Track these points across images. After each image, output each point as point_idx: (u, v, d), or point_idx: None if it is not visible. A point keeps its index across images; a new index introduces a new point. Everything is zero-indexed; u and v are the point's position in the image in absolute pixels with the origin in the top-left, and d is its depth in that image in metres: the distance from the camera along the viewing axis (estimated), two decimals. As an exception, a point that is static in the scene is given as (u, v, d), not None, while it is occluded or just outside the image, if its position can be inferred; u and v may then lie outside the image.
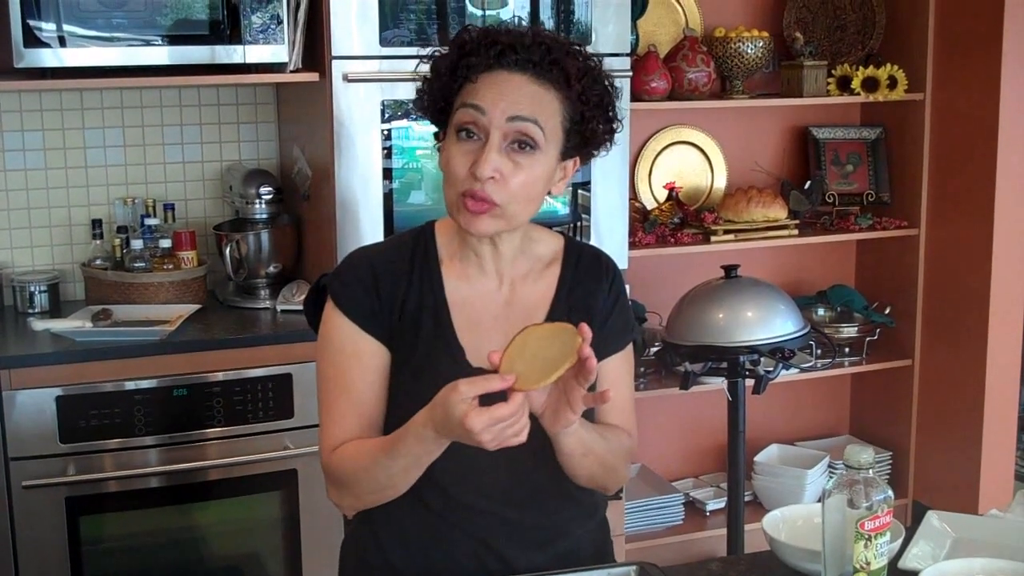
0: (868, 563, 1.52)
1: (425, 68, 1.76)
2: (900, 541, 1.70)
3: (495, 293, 1.79)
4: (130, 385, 2.91)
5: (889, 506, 1.53)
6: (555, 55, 1.68)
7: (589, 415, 1.80)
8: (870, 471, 1.53)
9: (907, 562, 1.70)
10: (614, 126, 1.76)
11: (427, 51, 1.77)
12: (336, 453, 1.72)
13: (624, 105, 3.31)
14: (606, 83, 1.74)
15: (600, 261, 1.87)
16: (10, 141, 3.35)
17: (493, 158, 1.64)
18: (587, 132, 1.73)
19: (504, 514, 1.73)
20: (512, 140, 1.66)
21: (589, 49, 1.76)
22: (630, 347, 1.89)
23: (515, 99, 1.65)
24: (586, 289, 1.82)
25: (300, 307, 3.14)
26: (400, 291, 1.75)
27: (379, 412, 1.75)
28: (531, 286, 1.81)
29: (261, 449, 3.01)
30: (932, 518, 1.86)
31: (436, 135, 1.78)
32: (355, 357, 1.74)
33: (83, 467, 2.88)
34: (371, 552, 1.69)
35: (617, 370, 1.86)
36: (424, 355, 1.73)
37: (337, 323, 1.75)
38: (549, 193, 1.75)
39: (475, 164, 1.64)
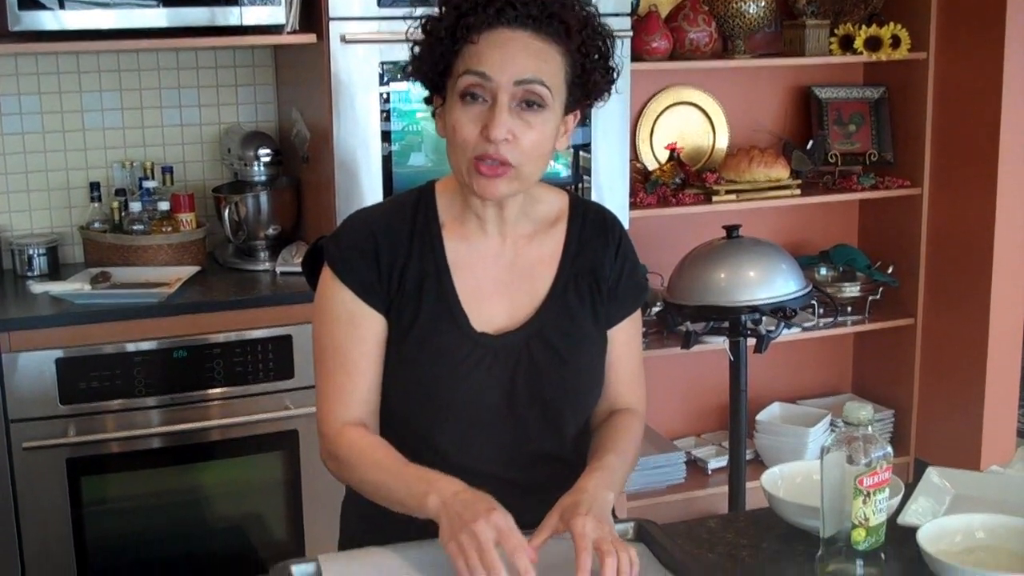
0: (867, 519, 1.52)
1: (416, 32, 1.71)
2: (900, 497, 1.70)
3: (498, 255, 1.77)
4: (130, 347, 2.91)
5: (888, 462, 1.53)
6: (553, 7, 1.65)
7: (595, 388, 1.80)
8: (869, 427, 1.53)
9: (906, 518, 1.70)
10: (613, 76, 1.73)
11: (419, 12, 1.72)
12: (346, 436, 1.71)
13: (625, 66, 3.29)
14: (605, 32, 1.71)
15: (606, 221, 1.85)
16: (7, 105, 3.34)
17: (505, 119, 1.61)
18: (589, 85, 1.71)
19: (509, 477, 1.72)
20: (520, 100, 1.63)
21: (589, 9, 1.73)
22: (639, 311, 1.88)
23: (520, 61, 1.63)
24: (592, 252, 1.80)
25: (299, 269, 3.13)
26: (400, 258, 1.72)
27: (375, 383, 1.74)
28: (536, 247, 1.79)
29: (262, 410, 3.01)
30: (932, 474, 1.86)
31: (427, 99, 1.75)
32: (351, 327, 1.72)
33: (84, 428, 2.88)
34: (372, 509, 1.69)
35: (627, 336, 1.85)
36: (427, 323, 1.72)
37: (334, 291, 1.74)
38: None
39: (486, 127, 1.62)
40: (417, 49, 1.72)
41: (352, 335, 1.72)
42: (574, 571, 1.52)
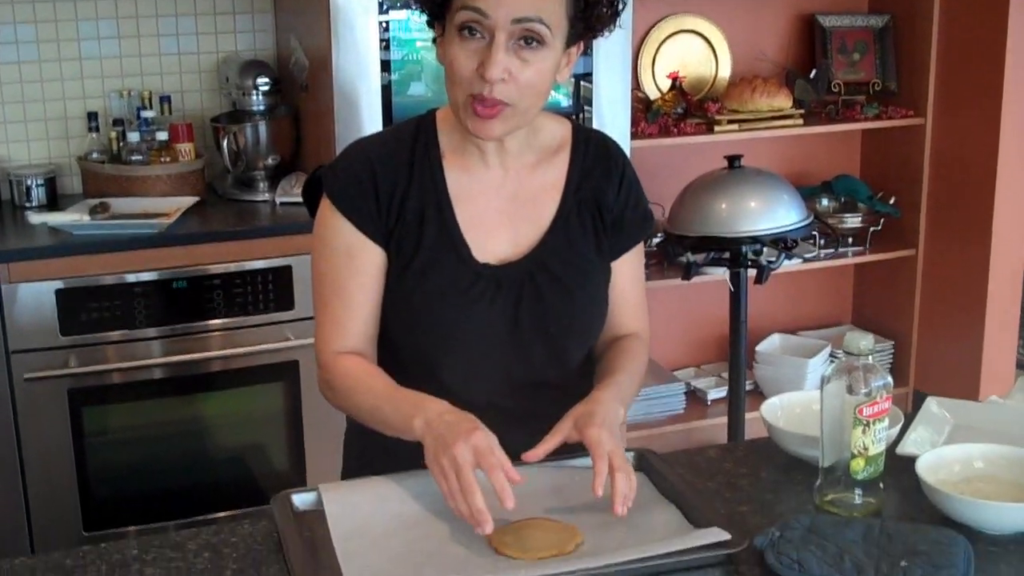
0: (866, 448, 1.52)
1: None
2: (899, 427, 1.70)
3: (500, 186, 1.75)
4: (130, 278, 2.91)
5: (888, 392, 1.53)
6: None
7: (599, 318, 1.80)
8: (869, 357, 1.53)
9: (905, 447, 1.70)
10: (618, 8, 1.70)
11: None
12: (341, 363, 1.71)
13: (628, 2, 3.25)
14: None
15: (609, 150, 1.82)
16: (2, 34, 3.31)
17: (501, 59, 1.58)
18: (592, 18, 1.67)
19: (512, 407, 1.72)
20: (519, 37, 1.60)
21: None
22: (642, 243, 1.87)
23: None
24: (595, 182, 1.78)
25: (299, 199, 3.13)
26: (400, 189, 1.71)
27: (372, 315, 1.73)
28: (539, 176, 1.77)
29: (262, 340, 3.02)
30: (931, 404, 1.86)
31: (429, 23, 1.72)
32: (348, 258, 1.71)
33: (85, 359, 2.89)
34: (373, 443, 1.69)
35: (631, 266, 1.84)
36: (429, 254, 1.70)
37: (332, 221, 1.72)
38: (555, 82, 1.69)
39: (482, 65, 1.58)
40: None
41: (349, 266, 1.71)
42: (558, 497, 1.55)
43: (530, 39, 1.60)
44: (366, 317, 1.73)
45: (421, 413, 1.56)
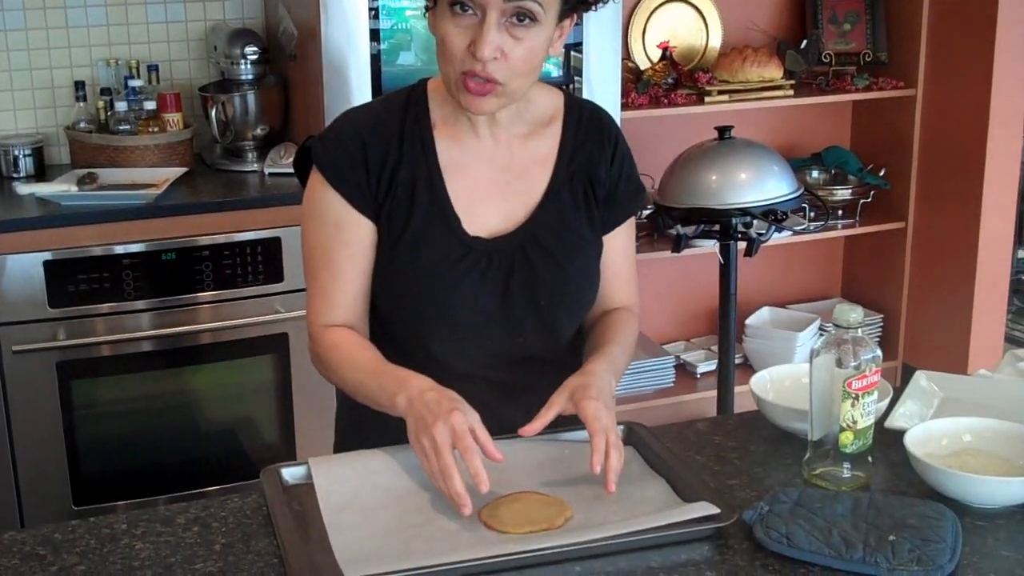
0: (855, 422, 1.53)
1: None
2: (888, 401, 1.70)
3: (491, 157, 1.74)
4: (118, 249, 2.90)
5: (877, 365, 1.53)
6: None
7: (591, 291, 1.79)
8: (859, 330, 1.53)
9: (894, 421, 1.70)
10: None
11: None
12: (329, 335, 1.70)
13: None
14: None
15: (602, 123, 1.81)
16: (-12, 1, 3.28)
17: (492, 37, 1.56)
18: None
19: (502, 379, 1.72)
20: (511, 15, 1.58)
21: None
22: (634, 216, 1.86)
23: None
24: (588, 154, 1.78)
25: (288, 170, 3.12)
26: (391, 160, 1.69)
27: (362, 287, 1.73)
28: (531, 148, 1.75)
29: (251, 313, 3.01)
30: (920, 378, 1.86)
31: None
32: (337, 230, 1.70)
33: (73, 332, 2.88)
34: (366, 415, 1.69)
35: (623, 240, 1.84)
36: (419, 226, 1.69)
37: (321, 193, 1.71)
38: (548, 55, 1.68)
39: (474, 43, 1.57)
40: None
41: (338, 239, 1.71)
42: (548, 471, 1.55)
43: (522, 16, 1.58)
44: (356, 290, 1.73)
45: (404, 390, 1.56)
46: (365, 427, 1.76)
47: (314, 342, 1.73)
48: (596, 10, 1.71)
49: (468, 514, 1.44)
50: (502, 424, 1.60)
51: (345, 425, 1.89)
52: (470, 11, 1.58)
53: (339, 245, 1.70)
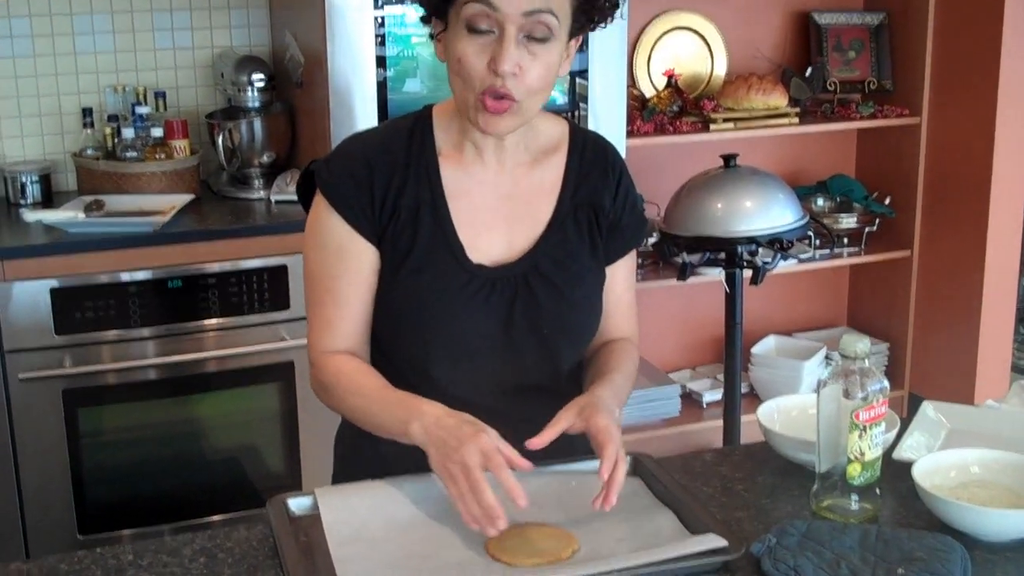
0: (862, 453, 1.52)
1: None
2: (895, 432, 1.70)
3: (495, 184, 1.74)
4: (124, 277, 2.90)
5: (884, 396, 1.53)
6: None
7: (593, 322, 1.79)
8: (866, 361, 1.52)
9: (902, 452, 1.70)
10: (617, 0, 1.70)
11: None
12: (331, 362, 1.70)
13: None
14: None
15: (606, 153, 1.81)
16: (-3, 28, 3.29)
17: (512, 52, 1.57)
18: (595, 9, 1.67)
19: (502, 409, 1.71)
20: (527, 31, 1.59)
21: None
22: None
23: None
24: (592, 185, 1.78)
25: (294, 197, 3.10)
26: (395, 185, 1.69)
27: (364, 314, 1.72)
28: (535, 176, 1.76)
29: (257, 340, 3.01)
30: (928, 408, 1.85)
31: (424, 19, 1.70)
32: (340, 256, 1.70)
33: (79, 359, 2.88)
34: (364, 441, 1.69)
35: (625, 271, 1.84)
36: (423, 253, 1.69)
37: (325, 218, 1.71)
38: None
39: (494, 60, 1.57)
40: None
41: (341, 264, 1.70)
42: (555, 503, 1.55)
43: (539, 31, 1.59)
44: (358, 316, 1.72)
45: (417, 418, 1.55)
46: (363, 455, 1.76)
47: (316, 369, 1.73)
48: (601, 27, 1.72)
49: (503, 527, 1.43)
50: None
51: (343, 452, 1.88)
52: (488, 30, 1.58)
53: (341, 271, 1.70)
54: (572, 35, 1.67)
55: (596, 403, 1.59)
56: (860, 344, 1.52)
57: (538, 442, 1.55)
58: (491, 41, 1.58)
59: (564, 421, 1.58)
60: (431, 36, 1.69)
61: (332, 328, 1.72)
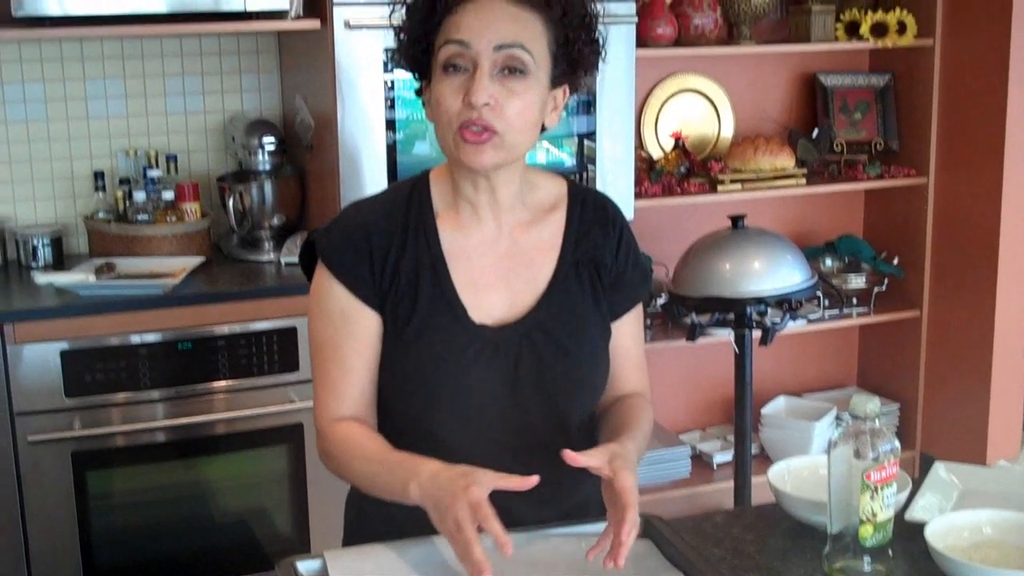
0: (874, 514, 1.51)
1: (401, 16, 1.70)
2: (907, 492, 1.69)
3: (494, 243, 1.74)
4: (135, 339, 2.90)
5: (895, 457, 1.52)
6: None
7: (601, 379, 1.78)
8: (876, 421, 1.52)
9: (914, 513, 1.69)
10: (598, 48, 1.72)
11: None
12: (337, 429, 1.70)
13: (630, 52, 3.28)
14: (585, 2, 1.69)
15: (606, 210, 1.82)
16: (10, 92, 3.33)
17: (486, 84, 1.60)
18: (573, 54, 1.68)
19: (511, 470, 1.70)
20: (502, 67, 1.62)
21: (595, -6, 1.71)
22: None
23: (498, 27, 1.61)
24: (593, 242, 1.78)
25: (303, 260, 3.14)
26: (394, 250, 1.70)
27: (369, 379, 1.73)
28: (534, 234, 1.76)
29: (266, 403, 3.01)
30: (939, 469, 1.85)
31: (418, 91, 1.73)
32: (343, 323, 1.71)
33: (89, 421, 2.88)
34: (373, 504, 1.68)
35: (632, 326, 1.84)
36: (425, 315, 1.70)
37: (326, 286, 1.72)
38: (543, 128, 1.70)
39: (468, 93, 1.60)
40: (403, 34, 1.71)
41: (344, 331, 1.71)
42: (565, 566, 1.54)
43: (514, 68, 1.62)
44: (362, 382, 1.73)
45: (415, 478, 1.55)
46: (372, 519, 1.75)
47: (323, 438, 1.73)
48: (584, 85, 1.74)
49: None
50: (510, 515, 1.59)
51: (354, 515, 1.87)
52: (463, 68, 1.61)
53: (345, 338, 1.71)
54: (556, 82, 1.69)
55: (626, 457, 1.57)
56: (871, 404, 1.52)
57: (574, 457, 1.52)
58: (466, 79, 1.61)
59: (596, 460, 1.54)
60: (422, 103, 1.71)
61: (337, 395, 1.72)
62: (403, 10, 1.70)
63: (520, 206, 1.76)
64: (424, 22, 1.65)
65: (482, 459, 1.67)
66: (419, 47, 1.67)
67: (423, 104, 1.71)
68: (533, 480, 1.48)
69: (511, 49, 1.61)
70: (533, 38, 1.63)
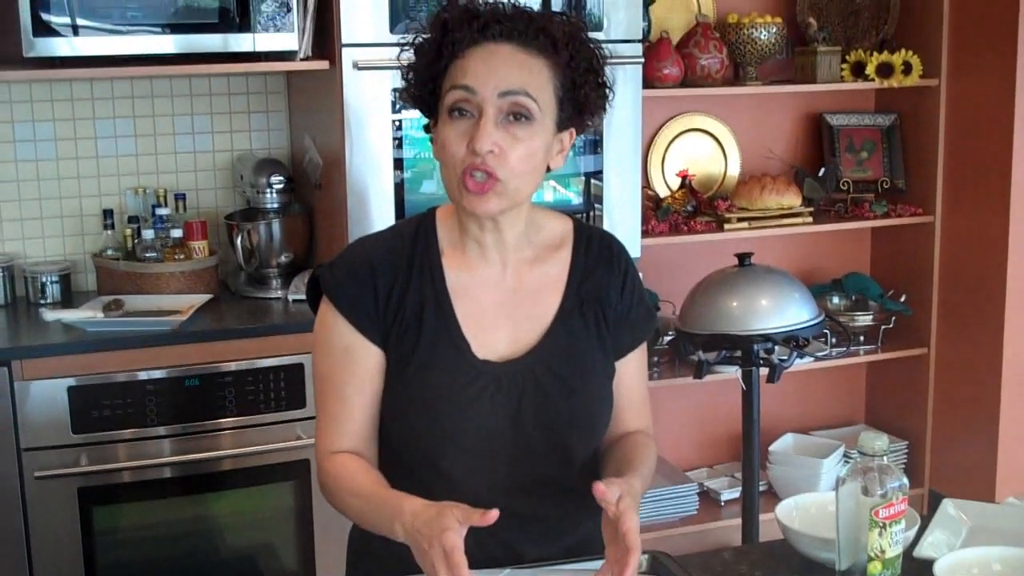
0: (883, 551, 1.51)
1: (408, 57, 1.72)
2: (915, 529, 1.68)
3: (499, 281, 1.75)
4: (142, 375, 2.91)
5: (904, 494, 1.52)
6: (539, 22, 1.65)
7: (604, 416, 1.78)
8: (884, 458, 1.52)
9: (922, 551, 1.68)
10: (606, 91, 1.73)
11: (409, 37, 1.72)
12: (334, 463, 1.71)
13: (636, 92, 3.30)
14: (593, 47, 1.70)
15: (612, 249, 1.83)
16: (21, 132, 3.35)
17: (490, 131, 1.61)
18: (580, 98, 1.69)
19: (514, 506, 1.71)
20: (507, 113, 1.63)
21: (601, 36, 1.73)
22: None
23: (504, 73, 1.62)
24: (598, 280, 1.79)
25: (310, 296, 3.14)
26: (398, 286, 1.71)
27: (369, 414, 1.74)
28: (539, 272, 1.77)
29: (273, 439, 3.01)
30: (948, 506, 1.84)
31: (426, 127, 1.75)
32: (346, 358, 1.72)
33: (95, 457, 2.88)
34: (375, 539, 1.68)
35: (636, 364, 1.84)
36: (429, 351, 1.70)
37: (330, 320, 1.73)
38: (548, 169, 1.71)
39: (472, 140, 1.61)
40: (410, 74, 1.72)
41: (346, 366, 1.72)
42: None
43: (519, 115, 1.62)
44: (362, 416, 1.73)
45: (399, 517, 1.55)
46: (375, 553, 1.75)
47: (321, 471, 1.74)
48: (592, 126, 1.75)
49: None
50: (513, 552, 1.59)
51: (356, 549, 1.88)
52: (468, 113, 1.63)
53: (348, 373, 1.72)
54: (562, 125, 1.70)
55: (633, 496, 1.56)
56: (879, 441, 1.52)
57: (603, 491, 1.50)
58: (471, 124, 1.62)
59: (611, 494, 1.51)
60: (430, 139, 1.73)
61: (336, 429, 1.73)
62: (411, 51, 1.71)
63: (526, 245, 1.76)
64: (431, 65, 1.67)
65: (485, 494, 1.67)
66: (426, 89, 1.69)
67: (431, 141, 1.73)
68: (493, 515, 1.46)
69: (516, 96, 1.62)
70: (539, 84, 1.64)
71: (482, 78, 1.62)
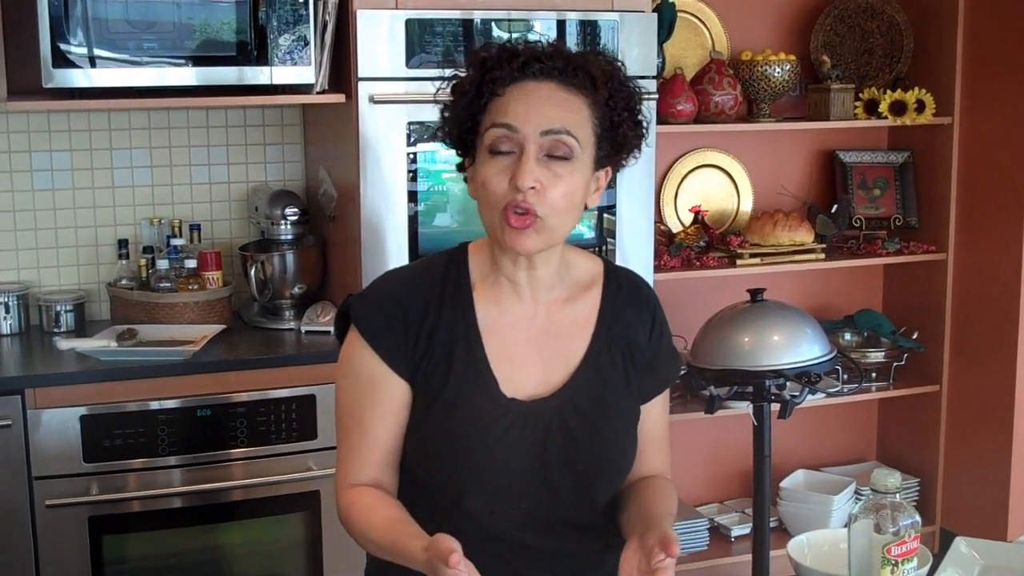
0: (895, 589, 1.51)
1: (445, 94, 1.72)
2: (928, 567, 1.68)
3: (531, 319, 1.75)
4: (154, 405, 2.91)
5: (916, 531, 1.52)
6: (578, 60, 1.66)
7: (629, 457, 1.78)
8: (897, 495, 1.52)
9: (935, 589, 1.68)
10: (642, 130, 1.73)
11: (448, 73, 1.73)
12: (352, 496, 1.71)
13: (651, 128, 3.30)
14: (631, 86, 1.72)
15: (640, 291, 1.84)
16: (38, 161, 3.37)
17: (532, 167, 1.61)
18: (618, 137, 1.70)
19: (535, 543, 1.71)
20: (548, 151, 1.63)
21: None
22: None
23: (545, 111, 1.63)
24: (627, 322, 1.79)
25: (324, 328, 3.16)
26: (429, 321, 1.71)
27: (391, 447, 1.74)
28: (569, 311, 1.77)
29: (285, 470, 3.01)
30: (960, 544, 1.83)
31: (459, 167, 1.75)
32: (371, 389, 1.72)
33: (107, 487, 2.88)
34: (394, 570, 1.68)
35: (660, 408, 1.85)
36: (457, 387, 1.70)
37: (358, 351, 1.73)
38: (585, 207, 1.71)
39: (514, 176, 1.61)
40: (447, 112, 1.73)
41: (371, 398, 1.72)
42: None
43: (559, 153, 1.63)
44: (384, 449, 1.73)
45: (410, 562, 1.55)
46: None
47: (339, 502, 1.74)
48: (631, 163, 1.75)
49: None
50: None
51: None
52: (509, 151, 1.62)
53: (371, 404, 1.72)
54: (599, 164, 1.70)
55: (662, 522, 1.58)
56: (891, 478, 1.52)
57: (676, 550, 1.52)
58: (513, 162, 1.63)
59: (652, 540, 1.54)
60: (464, 179, 1.73)
61: (358, 458, 1.72)
62: (447, 86, 1.72)
63: (558, 284, 1.77)
64: (471, 104, 1.67)
65: (509, 532, 1.67)
66: (464, 127, 1.69)
67: (465, 180, 1.73)
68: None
69: (558, 135, 1.62)
70: (579, 123, 1.65)
71: (523, 117, 1.62)
